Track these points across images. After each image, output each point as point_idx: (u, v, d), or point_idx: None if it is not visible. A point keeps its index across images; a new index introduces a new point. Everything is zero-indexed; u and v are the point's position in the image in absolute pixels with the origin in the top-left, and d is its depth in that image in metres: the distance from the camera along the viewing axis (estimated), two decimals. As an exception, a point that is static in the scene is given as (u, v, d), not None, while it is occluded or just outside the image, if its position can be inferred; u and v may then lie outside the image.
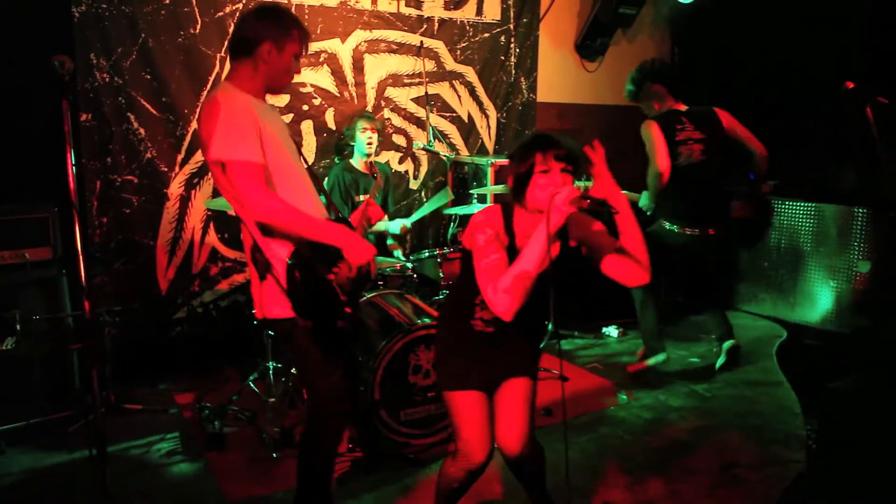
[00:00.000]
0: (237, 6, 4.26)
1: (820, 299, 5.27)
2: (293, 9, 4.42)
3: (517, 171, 2.18)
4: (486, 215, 2.25)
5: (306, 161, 2.52)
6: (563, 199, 2.00)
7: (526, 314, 2.13)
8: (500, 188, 4.13)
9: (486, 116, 5.45)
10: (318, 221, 2.33)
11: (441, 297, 4.29)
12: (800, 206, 5.36)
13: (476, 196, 4.60)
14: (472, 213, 4.51)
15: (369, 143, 4.33)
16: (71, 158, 1.81)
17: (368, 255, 2.33)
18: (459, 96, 5.28)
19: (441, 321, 2.58)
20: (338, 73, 4.70)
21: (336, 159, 4.68)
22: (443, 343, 2.49)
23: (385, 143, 4.95)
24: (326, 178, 4.48)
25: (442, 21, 5.07)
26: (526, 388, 2.39)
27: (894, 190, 4.22)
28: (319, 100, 4.65)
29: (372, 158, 4.45)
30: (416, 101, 5.07)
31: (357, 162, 4.43)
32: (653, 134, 4.01)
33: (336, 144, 4.62)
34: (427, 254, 4.21)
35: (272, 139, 2.27)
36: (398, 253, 4.58)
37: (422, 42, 4.96)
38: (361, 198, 4.43)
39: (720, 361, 4.42)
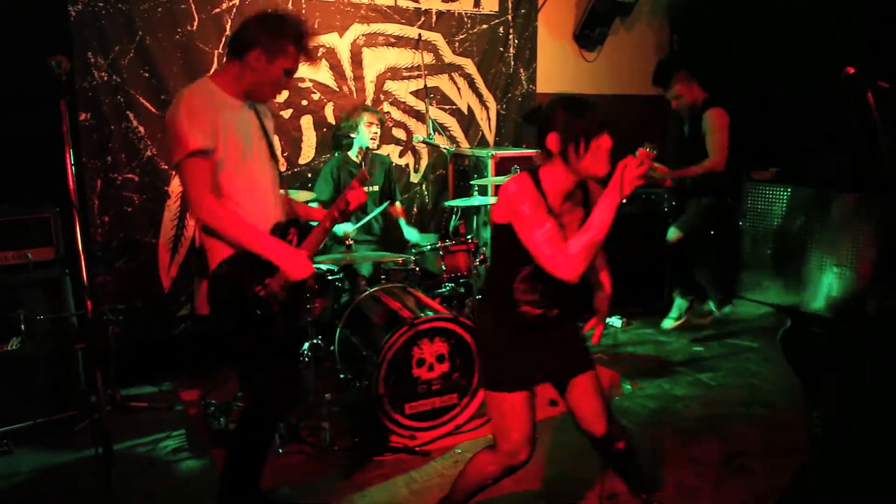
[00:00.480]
0: (234, 2, 4.25)
1: (824, 286, 5.26)
2: (290, 3, 4.41)
3: (576, 136, 2.12)
4: (518, 185, 2.20)
5: (276, 163, 2.52)
6: (638, 172, 2.06)
7: (576, 290, 2.19)
8: (501, 179, 4.12)
9: (486, 108, 5.43)
10: (259, 235, 2.31)
11: (444, 289, 4.29)
12: (802, 193, 5.34)
13: (477, 188, 4.59)
14: (472, 205, 4.52)
15: (373, 137, 4.35)
16: (70, 158, 1.81)
17: (305, 272, 2.34)
18: (459, 88, 5.26)
19: (482, 311, 2.51)
20: (336, 68, 4.69)
21: (335, 153, 4.67)
22: (486, 336, 2.44)
23: (385, 137, 4.94)
24: (321, 171, 4.48)
25: (440, 13, 5.05)
26: (595, 380, 2.42)
27: (895, 175, 4.20)
28: (318, 94, 4.64)
29: (373, 151, 4.45)
30: (416, 94, 5.05)
31: (355, 154, 4.43)
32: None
33: (334, 135, 4.59)
34: (429, 247, 4.21)
35: (230, 134, 2.25)
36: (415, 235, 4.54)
37: (420, 35, 4.94)
38: (365, 189, 4.41)
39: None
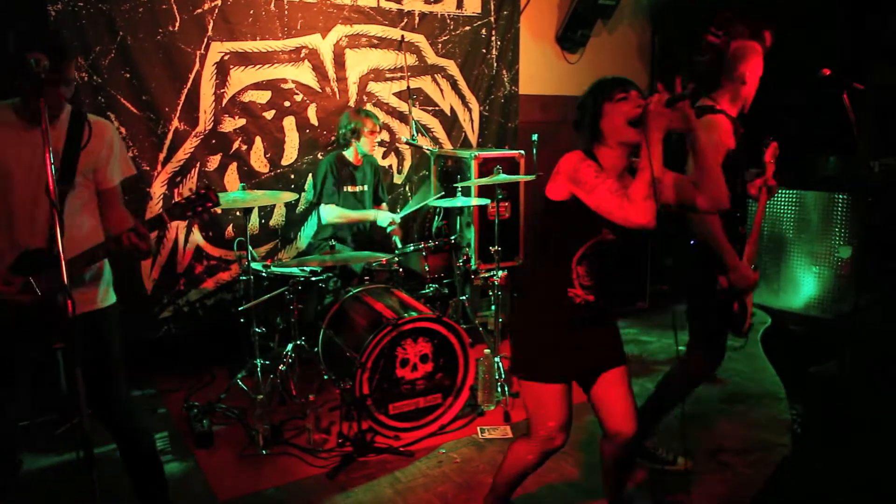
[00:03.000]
0: (216, 3, 4.23)
1: (803, 285, 5.33)
2: (273, 5, 4.41)
3: (593, 110, 2.24)
4: (573, 154, 2.26)
5: (58, 179, 2.20)
6: (657, 102, 2.10)
7: (623, 279, 2.29)
8: (484, 180, 4.13)
9: (469, 110, 5.45)
10: None
11: (428, 290, 4.30)
12: (781, 193, 5.41)
13: (460, 189, 4.61)
14: (455, 206, 4.54)
15: (373, 146, 4.48)
16: (50, 158, 1.80)
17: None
18: (441, 90, 5.28)
19: (525, 304, 2.48)
20: (319, 69, 4.68)
21: (330, 153, 4.67)
22: (529, 327, 2.43)
23: (368, 138, 4.94)
24: (314, 172, 4.49)
25: (422, 15, 5.06)
26: (626, 375, 2.43)
27: (872, 175, 4.27)
28: (301, 96, 4.63)
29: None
30: (399, 95, 5.06)
31: (350, 154, 4.44)
32: None
33: (340, 137, 4.52)
34: (412, 247, 4.22)
35: None
36: (397, 238, 4.55)
37: (403, 36, 4.95)
38: (355, 189, 4.44)
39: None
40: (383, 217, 4.41)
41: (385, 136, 5.09)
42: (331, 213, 4.31)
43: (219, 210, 2.73)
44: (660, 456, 3.22)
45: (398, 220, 4.44)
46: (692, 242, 2.96)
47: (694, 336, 3.14)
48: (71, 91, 2.34)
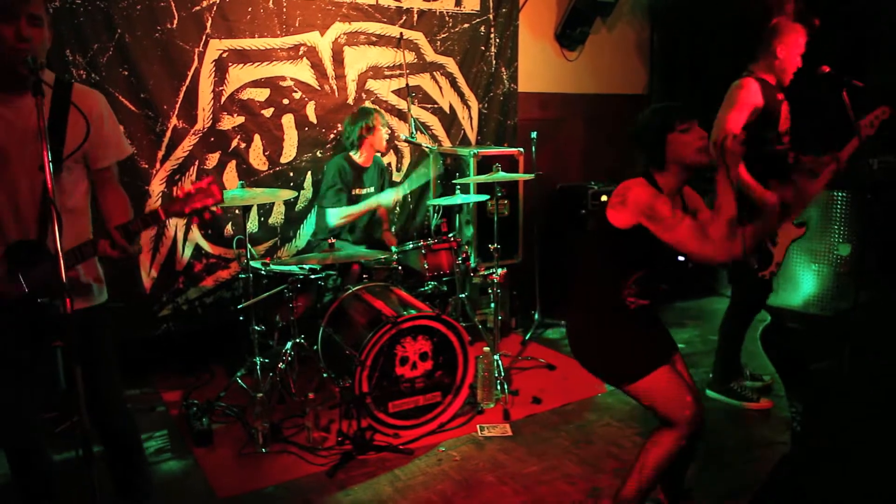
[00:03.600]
0: (214, 0, 4.22)
1: (802, 283, 5.33)
2: (271, 2, 4.39)
3: (655, 139, 2.34)
4: (642, 188, 2.34)
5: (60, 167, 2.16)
6: (735, 142, 2.24)
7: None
8: (483, 178, 4.13)
9: (468, 107, 5.44)
10: None
11: (427, 288, 4.30)
12: (780, 190, 5.40)
13: (459, 187, 4.60)
14: (454, 203, 4.53)
15: (384, 143, 4.50)
16: (47, 156, 1.79)
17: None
18: (440, 87, 5.27)
19: (587, 315, 2.55)
20: (318, 67, 4.67)
21: (320, 152, 4.66)
22: (603, 337, 2.50)
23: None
24: (322, 172, 4.50)
25: (421, 12, 5.05)
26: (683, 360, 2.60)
27: (871, 172, 4.27)
28: (300, 93, 4.62)
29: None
30: (397, 92, 5.05)
31: (358, 156, 4.43)
32: None
33: (346, 138, 4.52)
34: (411, 245, 4.22)
35: None
36: (394, 248, 4.56)
37: (401, 34, 4.94)
38: (362, 192, 4.44)
39: None
40: (386, 197, 4.44)
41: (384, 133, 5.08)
42: (336, 215, 4.30)
43: (219, 210, 2.64)
44: (746, 395, 3.78)
45: (400, 196, 4.51)
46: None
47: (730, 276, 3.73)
48: (47, 37, 2.07)
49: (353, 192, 4.41)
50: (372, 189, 4.52)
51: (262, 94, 4.47)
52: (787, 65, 3.43)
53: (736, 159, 2.25)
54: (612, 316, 2.46)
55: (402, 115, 5.08)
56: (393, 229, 4.88)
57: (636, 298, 2.43)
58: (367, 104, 4.84)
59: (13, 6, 1.95)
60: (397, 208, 4.88)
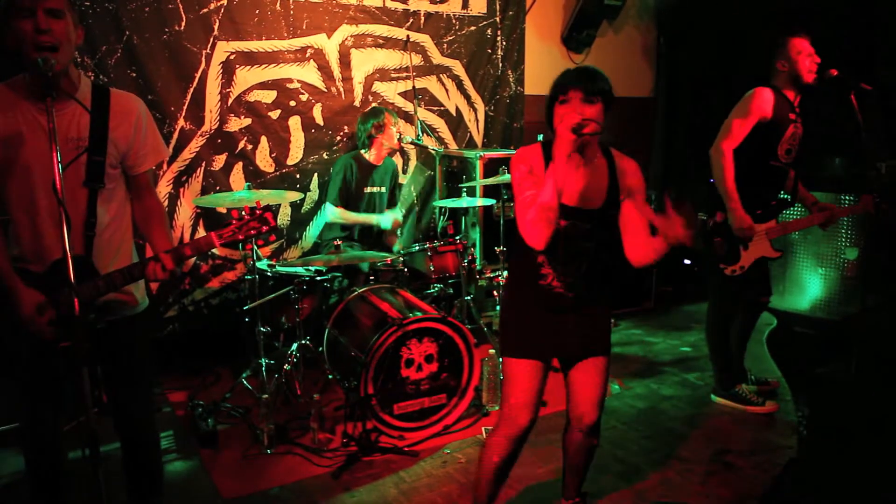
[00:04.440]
0: (222, 2, 4.23)
1: (809, 287, 5.31)
2: (279, 4, 4.41)
3: (547, 106, 2.23)
4: (521, 152, 2.28)
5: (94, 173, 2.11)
6: (565, 125, 2.04)
7: (596, 272, 2.27)
8: (490, 181, 4.13)
9: (474, 110, 5.44)
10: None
11: (433, 290, 4.30)
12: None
13: (465, 190, 4.60)
14: (460, 206, 4.54)
15: (396, 137, 4.50)
16: (57, 157, 1.79)
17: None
18: (447, 90, 5.27)
19: (507, 284, 2.55)
20: (325, 69, 4.69)
21: (327, 153, 4.67)
22: (507, 307, 2.50)
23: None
24: (329, 169, 4.51)
25: (428, 15, 5.06)
26: (603, 366, 2.41)
27: (879, 176, 4.25)
28: (307, 95, 4.63)
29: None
30: (404, 95, 5.06)
31: (369, 154, 4.45)
32: None
33: (359, 137, 4.53)
34: (417, 247, 4.22)
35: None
36: (396, 247, 4.58)
37: (408, 36, 4.95)
38: (373, 190, 4.46)
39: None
40: (386, 221, 4.43)
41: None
42: (333, 212, 4.33)
43: (273, 237, 2.64)
44: (750, 399, 3.75)
45: (401, 218, 4.45)
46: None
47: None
48: (73, 32, 2.03)
49: (364, 190, 4.43)
50: (382, 189, 4.54)
51: (269, 96, 4.48)
52: (799, 69, 3.44)
53: (565, 148, 2.03)
54: (523, 291, 2.38)
55: (408, 118, 5.09)
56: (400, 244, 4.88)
57: (556, 283, 2.28)
58: (375, 106, 4.86)
59: (29, 1, 1.94)
60: (398, 231, 4.86)
